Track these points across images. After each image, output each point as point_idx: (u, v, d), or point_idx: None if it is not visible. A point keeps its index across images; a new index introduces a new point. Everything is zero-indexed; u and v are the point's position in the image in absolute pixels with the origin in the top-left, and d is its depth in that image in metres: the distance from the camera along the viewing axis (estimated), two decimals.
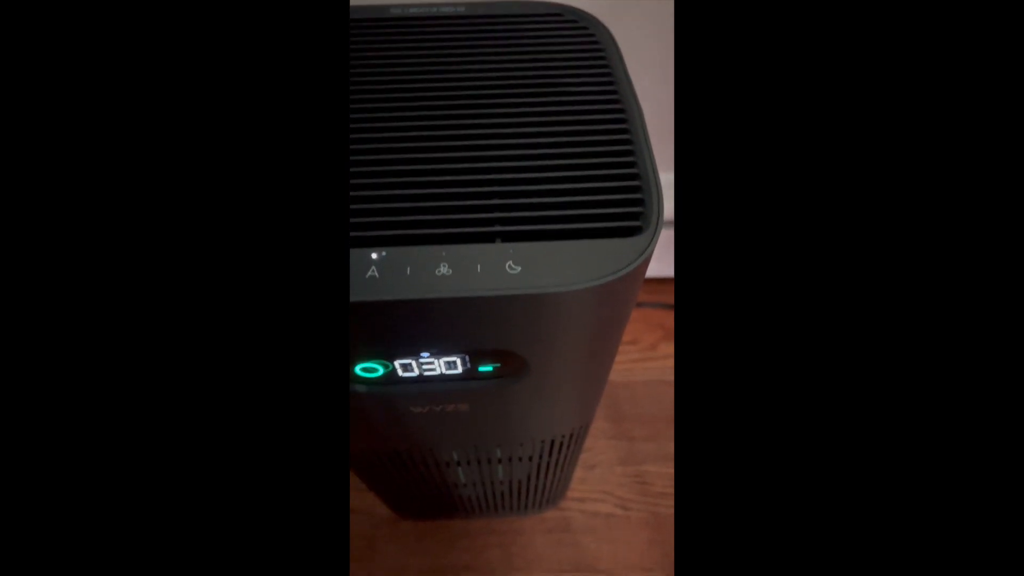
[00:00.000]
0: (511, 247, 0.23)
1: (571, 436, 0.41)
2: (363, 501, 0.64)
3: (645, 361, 0.74)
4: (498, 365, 0.29)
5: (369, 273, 0.23)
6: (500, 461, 0.44)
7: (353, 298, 0.22)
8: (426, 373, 0.29)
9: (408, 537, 0.63)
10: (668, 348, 0.75)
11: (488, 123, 0.27)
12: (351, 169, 0.25)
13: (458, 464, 0.44)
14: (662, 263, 0.75)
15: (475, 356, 0.28)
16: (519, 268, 0.23)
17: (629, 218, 0.24)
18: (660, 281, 0.79)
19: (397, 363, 0.28)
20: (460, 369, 0.29)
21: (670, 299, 0.78)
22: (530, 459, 0.44)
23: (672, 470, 0.67)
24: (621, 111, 0.28)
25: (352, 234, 0.24)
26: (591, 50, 0.31)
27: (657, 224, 0.24)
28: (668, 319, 0.77)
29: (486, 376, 0.30)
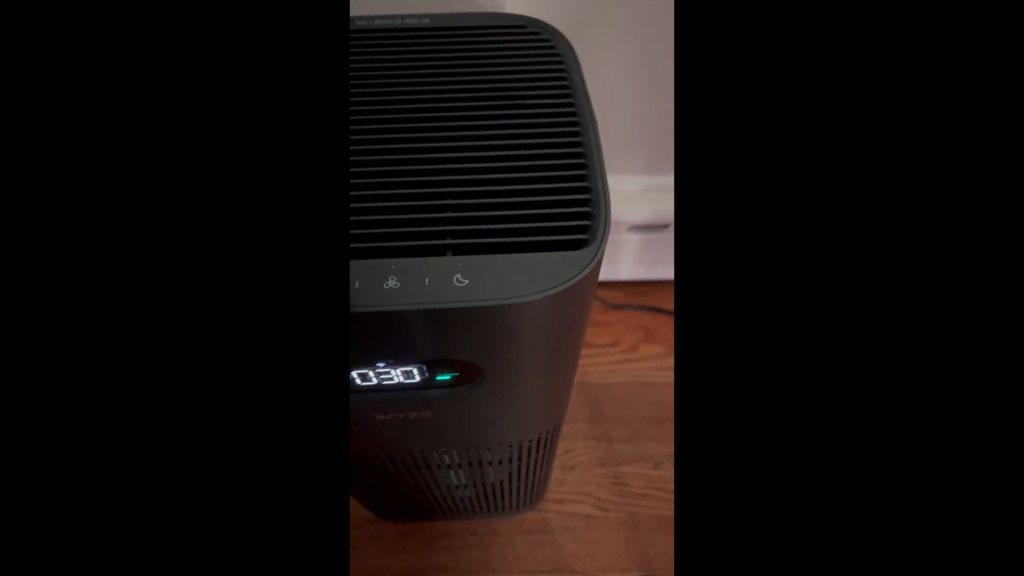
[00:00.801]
0: (459, 260, 0.24)
1: (540, 440, 0.42)
2: None
3: (626, 363, 0.75)
4: (456, 374, 0.30)
5: None
6: (471, 465, 0.45)
7: None
8: (384, 382, 0.29)
9: (388, 537, 0.64)
10: (649, 350, 0.76)
11: (443, 135, 0.27)
12: None
13: (428, 468, 0.45)
14: (640, 266, 0.75)
15: (432, 365, 0.29)
16: (467, 281, 0.23)
17: (577, 231, 0.25)
18: (641, 284, 0.79)
19: (355, 373, 0.28)
20: (418, 378, 0.29)
21: (651, 301, 0.79)
22: (500, 463, 0.45)
23: (651, 471, 0.67)
24: (575, 123, 0.28)
25: None
26: (550, 62, 0.31)
27: (603, 236, 0.25)
28: (649, 321, 0.78)
29: (444, 384, 0.30)
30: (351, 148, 0.27)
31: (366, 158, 0.27)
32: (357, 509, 0.64)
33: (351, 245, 0.24)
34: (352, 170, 0.26)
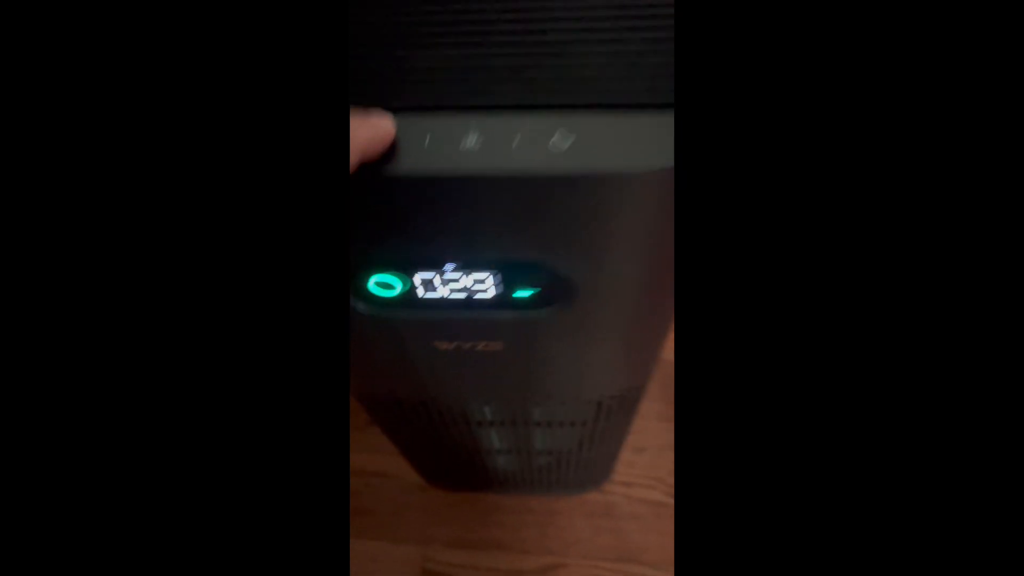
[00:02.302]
0: (561, 116, 0.18)
1: (620, 400, 0.35)
2: (393, 465, 0.61)
3: None
4: (537, 290, 0.24)
5: None
6: (539, 425, 0.39)
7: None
8: (451, 295, 0.24)
9: (437, 506, 0.60)
10: None
11: None
12: (352, 13, 0.20)
13: (491, 424, 0.40)
14: None
15: (509, 275, 0.23)
16: (570, 141, 0.18)
17: None
18: None
19: (417, 277, 0.23)
20: (491, 292, 0.24)
21: None
22: (572, 425, 0.39)
23: None
24: None
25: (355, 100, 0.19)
26: None
27: None
28: None
29: (523, 304, 0.24)
30: None
31: None
32: (405, 471, 0.60)
33: (416, 99, 0.19)
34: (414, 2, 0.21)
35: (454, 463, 0.50)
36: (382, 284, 0.24)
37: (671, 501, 0.58)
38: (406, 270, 0.23)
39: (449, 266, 0.23)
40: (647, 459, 0.61)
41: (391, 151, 0.18)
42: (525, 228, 0.20)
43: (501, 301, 0.24)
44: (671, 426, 0.63)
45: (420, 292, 0.24)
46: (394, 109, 0.19)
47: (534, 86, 0.19)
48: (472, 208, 0.19)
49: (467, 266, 0.23)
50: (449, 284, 0.23)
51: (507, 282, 0.23)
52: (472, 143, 0.18)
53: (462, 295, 0.24)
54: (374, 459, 0.63)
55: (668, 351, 0.67)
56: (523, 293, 0.24)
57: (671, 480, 0.59)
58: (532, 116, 0.18)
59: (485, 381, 0.32)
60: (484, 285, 0.23)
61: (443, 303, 0.25)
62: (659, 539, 0.56)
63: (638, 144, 0.18)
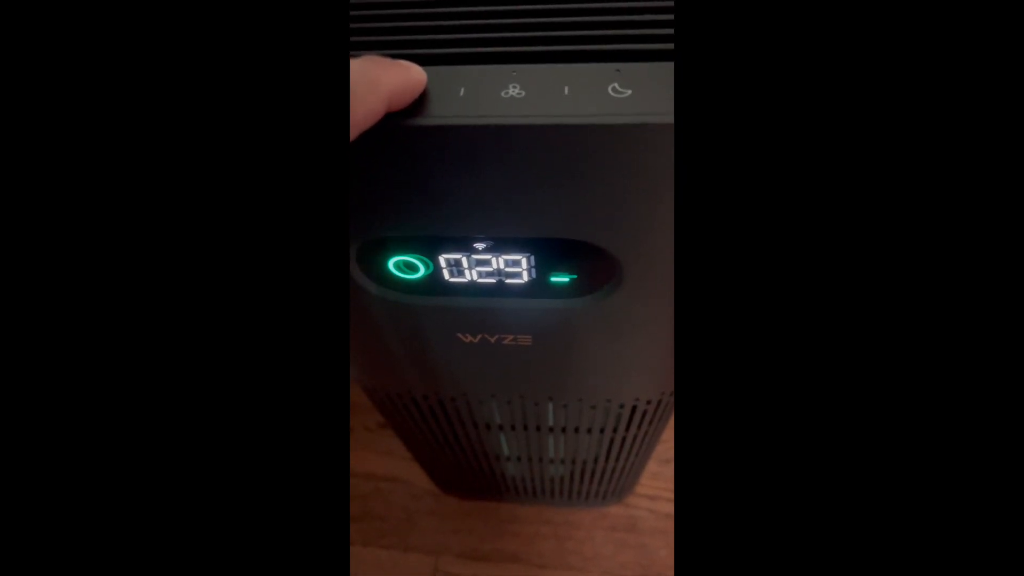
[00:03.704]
0: (616, 66, 0.16)
1: (656, 405, 0.33)
2: (405, 469, 0.59)
3: None
4: (574, 277, 0.21)
5: None
6: (564, 430, 0.36)
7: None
8: (479, 280, 0.22)
9: (450, 513, 0.57)
10: None
11: None
12: None
13: (512, 428, 0.37)
14: None
15: (545, 257, 0.21)
16: (628, 91, 0.15)
17: None
18: None
19: (443, 259, 0.21)
20: (525, 276, 0.21)
21: None
22: (601, 431, 0.36)
23: None
24: None
25: (381, 52, 0.17)
26: None
27: None
28: None
29: (559, 291, 0.22)
30: None
31: None
32: (417, 476, 0.57)
33: (452, 49, 0.17)
34: None
35: (469, 469, 0.47)
36: (405, 265, 0.22)
37: None
38: (431, 250, 0.21)
39: (479, 245, 0.20)
40: (673, 471, 0.57)
41: (421, 100, 0.15)
42: (567, 196, 0.17)
43: (535, 288, 0.22)
44: None
45: (446, 275, 0.22)
46: (426, 60, 0.16)
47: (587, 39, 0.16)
48: (509, 169, 0.16)
49: (499, 246, 0.20)
50: (478, 267, 0.21)
51: (542, 266, 0.21)
52: (515, 92, 0.15)
53: (492, 280, 0.22)
54: (386, 463, 0.60)
55: None
56: (560, 278, 0.21)
57: None
58: (583, 67, 0.16)
59: (508, 379, 0.30)
60: (517, 268, 0.21)
61: (471, 288, 0.22)
62: None
63: None
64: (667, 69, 0.16)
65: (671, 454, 0.58)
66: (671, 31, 0.16)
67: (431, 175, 0.17)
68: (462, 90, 0.16)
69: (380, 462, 0.60)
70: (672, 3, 0.17)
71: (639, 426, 0.35)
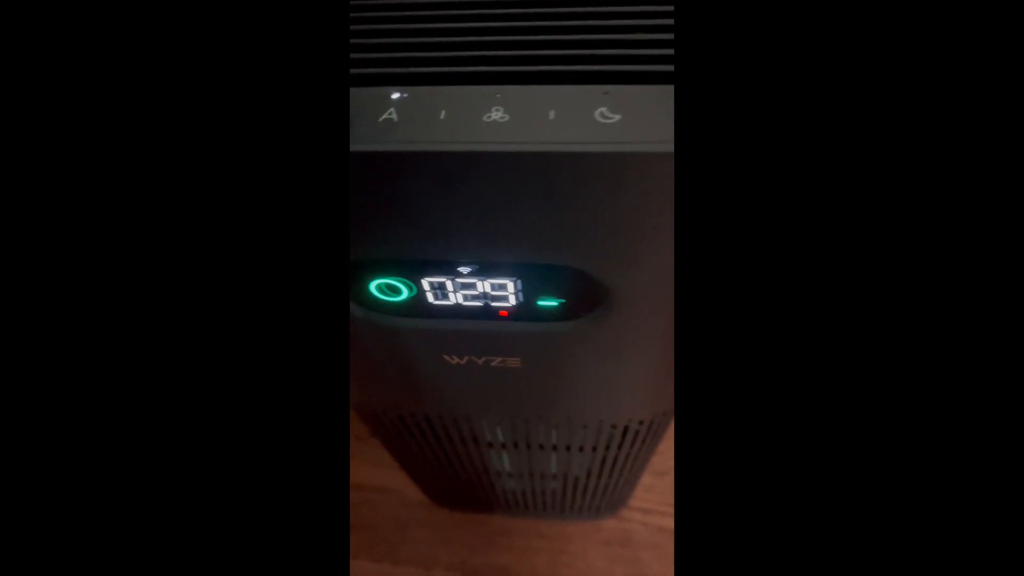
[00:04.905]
0: (606, 88, 0.15)
1: (649, 425, 0.32)
2: (395, 479, 0.58)
3: None
4: (562, 301, 0.21)
5: (384, 116, 0.15)
6: (554, 449, 0.36)
7: (355, 147, 0.14)
8: (465, 302, 0.21)
9: (441, 524, 0.56)
10: None
11: None
12: None
13: (503, 446, 0.36)
14: None
15: (533, 281, 0.20)
16: (617, 116, 0.14)
17: None
18: None
19: (426, 282, 0.20)
20: (512, 300, 0.21)
21: None
22: (593, 449, 0.35)
23: None
24: None
25: (361, 70, 0.16)
26: None
27: None
28: None
29: (548, 315, 0.21)
30: None
31: None
32: (407, 486, 0.56)
33: (430, 69, 0.16)
34: None
35: (459, 484, 0.46)
36: (387, 288, 0.21)
37: None
38: (414, 273, 0.20)
39: (464, 268, 0.19)
40: (668, 483, 0.57)
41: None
42: (551, 223, 0.16)
43: (523, 311, 0.21)
44: None
45: (430, 298, 0.21)
46: (403, 82, 0.15)
47: (573, 58, 0.15)
48: (491, 195, 0.15)
49: (484, 270, 0.19)
50: (463, 291, 0.20)
51: (529, 290, 0.20)
52: (498, 116, 0.15)
53: (478, 303, 0.21)
54: (375, 473, 0.59)
55: None
56: (548, 302, 0.21)
57: None
58: (570, 89, 0.15)
59: (498, 400, 0.29)
60: (504, 292, 0.20)
61: (457, 311, 0.21)
62: None
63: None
64: (659, 92, 0.15)
65: (665, 466, 0.57)
66: (665, 51, 0.16)
67: (410, 200, 0.16)
68: (443, 113, 0.15)
69: (370, 472, 0.59)
70: (669, 22, 0.16)
71: (632, 445, 0.34)
